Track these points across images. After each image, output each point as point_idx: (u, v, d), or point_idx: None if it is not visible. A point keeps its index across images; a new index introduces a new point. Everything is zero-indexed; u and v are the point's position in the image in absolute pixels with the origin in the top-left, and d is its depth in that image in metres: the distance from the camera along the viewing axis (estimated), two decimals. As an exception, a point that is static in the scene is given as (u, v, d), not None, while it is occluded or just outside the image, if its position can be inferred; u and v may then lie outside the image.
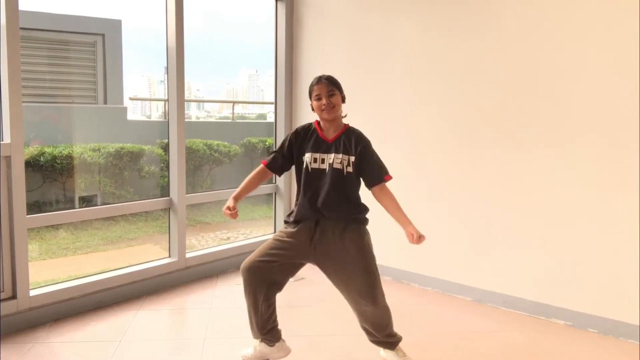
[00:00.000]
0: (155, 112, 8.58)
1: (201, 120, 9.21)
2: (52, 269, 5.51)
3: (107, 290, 4.20)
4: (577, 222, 3.84)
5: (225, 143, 7.61)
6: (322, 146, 3.08)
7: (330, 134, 3.10)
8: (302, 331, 3.74)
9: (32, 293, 3.80)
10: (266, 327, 3.12)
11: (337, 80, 3.07)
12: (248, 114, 9.98)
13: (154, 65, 7.69)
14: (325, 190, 3.02)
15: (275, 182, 5.69)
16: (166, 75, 4.67)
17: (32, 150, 5.68)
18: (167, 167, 4.77)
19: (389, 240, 4.81)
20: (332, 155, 3.04)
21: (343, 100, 3.10)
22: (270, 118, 6.16)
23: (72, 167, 6.01)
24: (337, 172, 3.02)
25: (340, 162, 3.02)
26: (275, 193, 5.72)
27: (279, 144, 3.29)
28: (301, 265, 3.21)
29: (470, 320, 3.97)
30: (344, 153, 3.04)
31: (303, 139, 3.14)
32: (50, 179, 5.86)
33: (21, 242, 3.68)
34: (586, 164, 3.77)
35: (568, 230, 3.88)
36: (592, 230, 3.78)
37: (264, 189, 5.80)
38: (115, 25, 7.19)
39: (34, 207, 5.33)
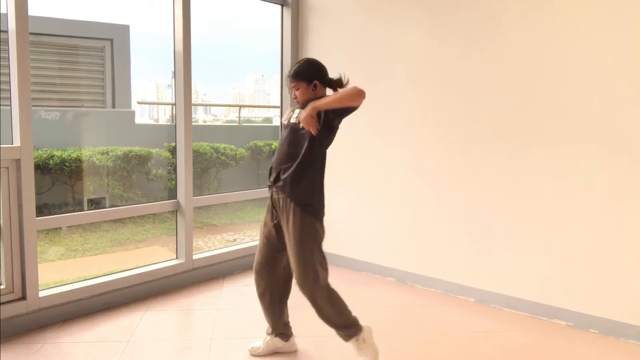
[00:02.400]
0: (163, 116, 8.63)
1: (208, 123, 9.24)
2: (61, 270, 5.54)
3: (116, 291, 4.22)
4: (578, 224, 3.86)
5: (232, 146, 7.64)
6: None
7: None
8: (306, 332, 3.76)
9: (42, 294, 3.81)
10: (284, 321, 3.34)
11: (307, 66, 3.15)
12: (254, 117, 10.01)
13: (161, 69, 7.75)
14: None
15: (281, 185, 5.71)
16: (173, 79, 4.70)
17: (41, 153, 5.74)
18: (175, 170, 4.79)
19: (392, 242, 4.86)
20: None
21: (319, 83, 3.14)
22: (276, 121, 6.20)
23: (81, 170, 6.05)
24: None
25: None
26: (281, 196, 5.74)
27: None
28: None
29: (473, 321, 3.99)
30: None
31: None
32: (60, 182, 5.91)
33: (30, 243, 3.70)
34: (586, 166, 3.78)
35: (569, 232, 3.90)
36: (592, 231, 3.79)
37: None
38: (123, 31, 7.24)
39: (43, 209, 5.37)
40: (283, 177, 3.07)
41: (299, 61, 3.18)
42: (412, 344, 3.54)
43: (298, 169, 3.05)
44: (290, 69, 3.14)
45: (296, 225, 3.08)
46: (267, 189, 3.21)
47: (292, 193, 3.06)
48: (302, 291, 3.16)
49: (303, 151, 3.05)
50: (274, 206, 3.18)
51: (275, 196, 3.15)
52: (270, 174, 3.16)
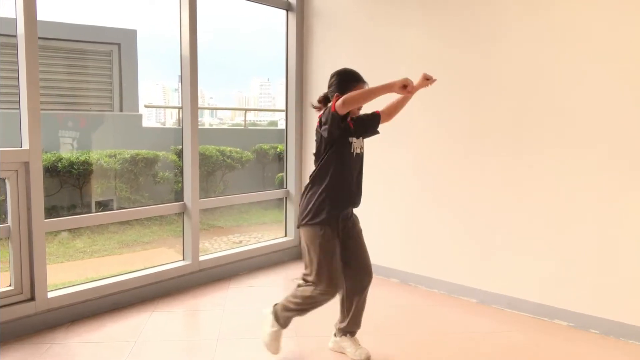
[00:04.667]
0: (170, 119, 8.66)
1: (214, 127, 9.25)
2: (69, 271, 5.58)
3: (123, 292, 4.25)
4: (579, 225, 3.88)
5: (238, 149, 7.67)
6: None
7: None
8: (310, 332, 3.80)
9: (50, 295, 3.85)
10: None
11: None
12: (260, 121, 10.03)
13: (168, 73, 7.77)
14: (358, 178, 3.32)
15: (286, 188, 5.77)
16: (180, 83, 4.74)
17: (49, 156, 5.78)
18: (181, 172, 4.83)
19: (395, 243, 4.88)
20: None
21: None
22: (282, 125, 6.22)
23: (88, 173, 6.09)
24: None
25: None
26: (286, 198, 5.79)
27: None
28: None
29: (475, 321, 4.01)
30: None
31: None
32: (68, 184, 5.95)
33: (39, 245, 3.73)
34: (587, 168, 3.81)
35: (570, 234, 3.92)
36: (593, 233, 3.82)
37: (275, 193, 5.88)
38: (130, 35, 7.27)
39: (52, 211, 5.41)
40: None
41: (349, 68, 3.26)
42: (415, 343, 3.56)
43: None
44: (359, 74, 3.25)
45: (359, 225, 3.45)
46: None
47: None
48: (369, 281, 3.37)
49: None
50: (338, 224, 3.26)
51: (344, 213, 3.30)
52: (349, 202, 3.35)
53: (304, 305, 3.22)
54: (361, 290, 3.34)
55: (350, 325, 3.42)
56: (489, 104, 4.28)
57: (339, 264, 3.17)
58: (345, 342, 3.44)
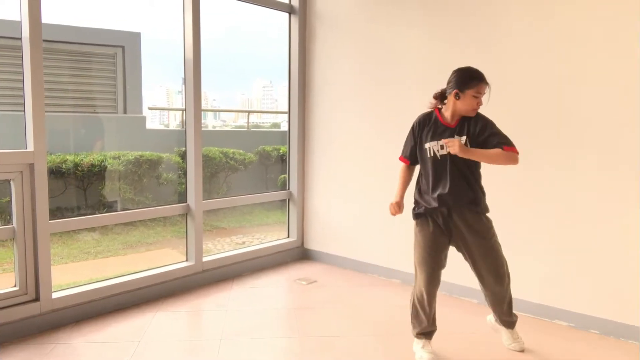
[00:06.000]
0: (173, 121, 8.69)
1: (217, 129, 9.27)
2: (74, 272, 5.61)
3: (127, 292, 4.28)
4: (579, 226, 3.89)
5: (241, 151, 7.69)
6: (445, 133, 3.21)
7: (453, 121, 3.22)
8: (313, 332, 3.82)
9: (55, 295, 3.87)
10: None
11: None
12: (262, 123, 10.04)
13: (172, 76, 7.80)
14: (449, 178, 3.19)
15: (288, 189, 5.80)
16: (184, 85, 4.76)
17: (54, 158, 5.81)
18: (185, 174, 4.85)
19: (397, 244, 4.90)
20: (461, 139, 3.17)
21: None
22: (284, 127, 6.25)
23: (92, 174, 6.12)
24: (457, 157, 3.17)
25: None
26: (289, 199, 5.82)
27: (405, 137, 3.45)
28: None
29: (476, 322, 4.01)
30: (465, 136, 3.18)
31: (424, 127, 3.29)
32: (72, 186, 5.98)
33: (44, 246, 3.76)
34: (587, 170, 3.82)
35: (570, 234, 3.94)
36: (593, 234, 3.83)
37: (278, 195, 5.90)
38: (134, 38, 7.30)
39: (56, 212, 5.44)
40: None
41: (473, 67, 3.19)
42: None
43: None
44: (483, 75, 3.15)
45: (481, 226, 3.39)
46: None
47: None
48: (499, 283, 3.34)
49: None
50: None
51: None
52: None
53: (412, 307, 3.39)
54: (486, 289, 3.37)
55: (496, 315, 3.50)
56: (490, 107, 4.28)
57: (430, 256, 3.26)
58: (501, 330, 3.57)
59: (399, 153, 4.11)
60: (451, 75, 3.20)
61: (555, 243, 4.02)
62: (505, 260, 3.32)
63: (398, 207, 3.35)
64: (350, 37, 5.21)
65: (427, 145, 3.24)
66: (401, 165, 3.46)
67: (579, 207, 3.89)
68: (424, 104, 4.67)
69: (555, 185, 3.99)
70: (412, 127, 3.35)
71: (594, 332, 3.86)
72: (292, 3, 5.55)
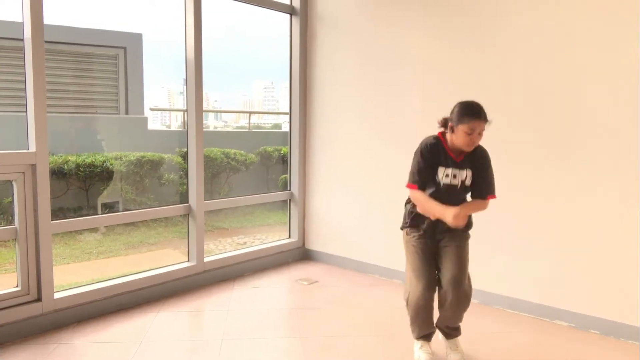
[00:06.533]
0: (175, 122, 8.71)
1: (219, 129, 9.29)
2: (76, 272, 5.62)
3: (129, 293, 4.28)
4: (579, 226, 3.90)
5: (242, 152, 7.70)
6: (453, 162, 3.17)
7: (458, 155, 3.17)
8: (314, 332, 3.83)
9: (57, 296, 3.87)
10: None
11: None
12: (264, 123, 10.05)
13: (173, 77, 7.83)
14: (456, 203, 3.17)
15: (290, 189, 5.81)
16: (185, 86, 4.76)
17: (56, 158, 5.82)
18: (186, 174, 4.85)
19: (398, 245, 4.90)
20: (464, 172, 3.15)
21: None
22: (285, 128, 6.26)
23: (94, 175, 6.13)
24: (466, 189, 3.20)
25: (466, 178, 3.17)
26: (290, 200, 5.83)
27: (414, 163, 3.29)
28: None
29: (477, 322, 4.02)
30: (468, 169, 3.16)
31: (434, 153, 3.18)
32: (74, 186, 5.99)
33: (46, 246, 3.76)
34: (587, 170, 3.83)
35: (570, 235, 3.95)
36: (593, 234, 3.84)
37: (279, 195, 5.91)
38: (136, 39, 7.32)
39: (58, 213, 5.44)
40: None
41: (478, 105, 3.04)
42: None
43: None
44: (480, 111, 3.00)
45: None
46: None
47: None
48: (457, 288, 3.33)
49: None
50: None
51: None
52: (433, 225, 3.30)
53: (411, 313, 3.39)
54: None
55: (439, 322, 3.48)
56: (491, 108, 4.28)
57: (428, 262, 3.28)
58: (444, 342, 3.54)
59: (399, 153, 4.13)
60: (454, 107, 3.12)
61: (555, 243, 4.02)
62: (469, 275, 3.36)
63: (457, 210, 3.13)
64: (350, 38, 5.22)
65: (439, 172, 3.19)
66: (411, 190, 3.29)
67: (579, 208, 3.90)
68: (424, 105, 4.70)
69: (555, 186, 4.00)
70: (422, 154, 3.20)
71: (594, 332, 3.86)
72: (294, 4, 5.56)
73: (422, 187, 3.23)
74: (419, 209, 3.26)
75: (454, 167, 3.16)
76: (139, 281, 4.38)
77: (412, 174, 3.27)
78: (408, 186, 3.29)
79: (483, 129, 3.03)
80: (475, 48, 4.36)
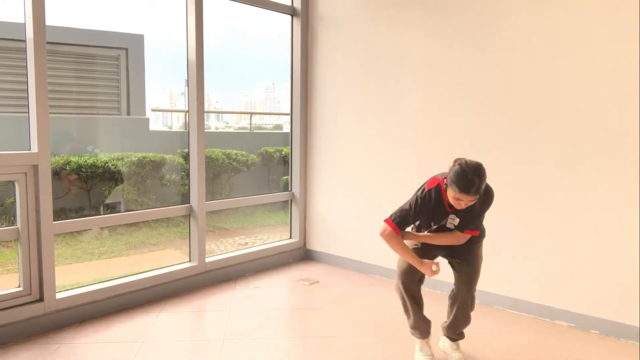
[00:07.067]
0: (176, 123, 8.71)
1: (220, 130, 9.29)
2: (77, 272, 5.63)
3: (130, 293, 4.30)
4: (579, 226, 3.91)
5: (243, 152, 7.70)
6: (447, 215, 3.17)
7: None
8: (315, 332, 3.84)
9: (59, 296, 3.89)
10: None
11: (484, 180, 2.93)
12: (265, 124, 10.06)
13: (175, 77, 7.82)
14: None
15: (291, 190, 5.82)
16: (187, 87, 4.78)
17: (58, 159, 5.83)
18: (188, 175, 4.87)
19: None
20: (461, 214, 3.14)
21: None
22: (286, 128, 6.27)
23: (96, 176, 6.14)
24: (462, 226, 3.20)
25: (462, 219, 3.17)
26: (291, 200, 5.84)
27: (406, 206, 3.21)
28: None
29: (477, 322, 3.97)
30: (465, 211, 3.11)
31: (429, 209, 3.14)
32: (76, 187, 6.00)
33: (48, 247, 3.78)
34: (587, 170, 3.84)
35: (570, 235, 3.96)
36: (593, 234, 3.85)
37: (280, 196, 5.92)
38: (138, 40, 7.33)
39: (60, 213, 5.45)
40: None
41: (478, 176, 2.89)
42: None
43: None
44: (473, 187, 2.86)
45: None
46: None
47: None
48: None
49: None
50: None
51: None
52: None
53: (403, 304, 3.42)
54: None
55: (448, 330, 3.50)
56: (491, 108, 4.31)
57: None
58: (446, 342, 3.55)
59: (399, 153, 4.13)
60: (455, 161, 3.03)
61: (556, 243, 4.03)
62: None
63: (433, 265, 3.19)
64: (351, 39, 5.24)
65: (434, 219, 3.21)
66: (386, 227, 3.19)
67: (579, 207, 3.91)
68: (424, 105, 4.71)
69: (555, 185, 4.00)
70: (416, 206, 3.15)
71: (594, 332, 3.87)
72: (295, 5, 5.57)
73: (401, 229, 3.19)
74: (389, 247, 3.22)
75: (450, 214, 3.17)
76: (140, 281, 4.39)
77: (398, 213, 3.20)
78: (386, 221, 3.19)
79: (473, 201, 2.95)
80: (475, 48, 4.37)
